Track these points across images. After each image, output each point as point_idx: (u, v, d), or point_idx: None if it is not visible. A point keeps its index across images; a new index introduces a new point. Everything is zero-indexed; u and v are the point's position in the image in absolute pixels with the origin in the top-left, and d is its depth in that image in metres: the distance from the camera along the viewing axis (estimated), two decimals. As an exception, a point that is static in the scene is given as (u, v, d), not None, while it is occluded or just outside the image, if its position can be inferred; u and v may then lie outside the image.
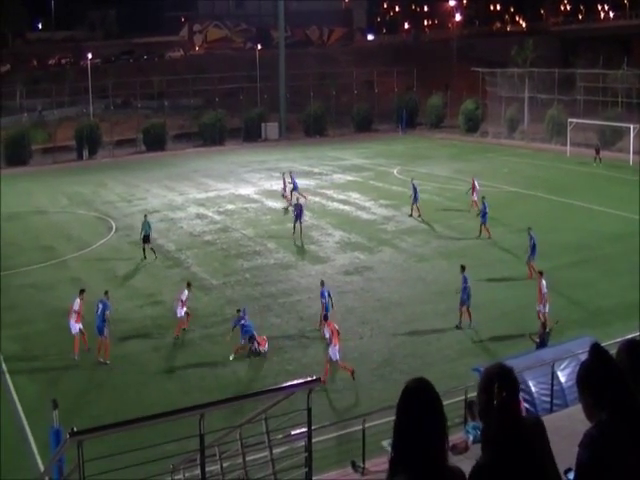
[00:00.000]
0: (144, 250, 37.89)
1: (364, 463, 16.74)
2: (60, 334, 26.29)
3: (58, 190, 57.82)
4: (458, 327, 27.46)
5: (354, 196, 51.09)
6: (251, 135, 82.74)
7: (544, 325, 23.87)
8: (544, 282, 27.00)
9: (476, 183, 45.04)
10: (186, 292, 28.24)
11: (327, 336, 24.37)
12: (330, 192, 52.83)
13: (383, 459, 16.96)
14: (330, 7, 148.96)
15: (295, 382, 9.27)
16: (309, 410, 9.03)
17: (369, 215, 45.63)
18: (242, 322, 26.21)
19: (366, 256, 37.10)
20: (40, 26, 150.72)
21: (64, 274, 36.42)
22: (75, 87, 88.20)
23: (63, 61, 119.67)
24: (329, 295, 27.62)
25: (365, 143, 77.84)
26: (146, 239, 38.03)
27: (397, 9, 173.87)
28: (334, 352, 23.53)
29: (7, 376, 25.02)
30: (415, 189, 44.22)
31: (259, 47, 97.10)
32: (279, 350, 26.44)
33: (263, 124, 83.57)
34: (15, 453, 20.15)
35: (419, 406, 4.00)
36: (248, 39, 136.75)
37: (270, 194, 52.90)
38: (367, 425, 16.97)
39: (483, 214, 39.60)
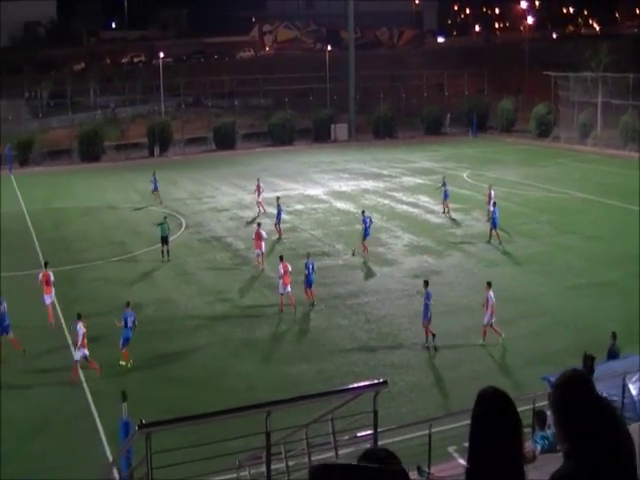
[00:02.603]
0: (162, 252, 38.06)
1: (429, 468, 16.60)
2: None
3: (130, 186, 58.69)
4: (427, 346, 26.52)
5: (423, 199, 50.81)
6: (320, 136, 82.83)
7: (614, 335, 23.40)
8: (491, 293, 26.38)
9: (492, 193, 43.46)
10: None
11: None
12: (399, 195, 52.64)
13: (449, 465, 16.85)
14: (400, 8, 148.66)
15: (362, 384, 9.24)
16: (375, 412, 9.00)
17: (438, 219, 45.35)
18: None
19: (435, 260, 36.87)
20: (114, 25, 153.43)
21: (135, 269, 36.97)
22: (147, 85, 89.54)
23: (136, 60, 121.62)
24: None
25: (435, 146, 77.37)
26: (164, 240, 38.05)
27: (468, 11, 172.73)
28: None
29: (78, 366, 25.47)
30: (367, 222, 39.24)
31: (329, 48, 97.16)
32: (346, 351, 26.43)
33: (332, 125, 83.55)
34: (85, 443, 20.51)
35: (497, 417, 3.91)
36: (318, 40, 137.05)
37: (339, 195, 52.94)
38: (433, 430, 16.84)
39: (493, 219, 39.31)
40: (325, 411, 10.45)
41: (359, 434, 11.82)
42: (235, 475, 13.97)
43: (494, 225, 39.45)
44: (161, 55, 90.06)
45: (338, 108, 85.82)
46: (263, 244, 36.18)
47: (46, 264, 31.25)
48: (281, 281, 30.42)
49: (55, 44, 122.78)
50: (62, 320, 29.31)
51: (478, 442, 3.92)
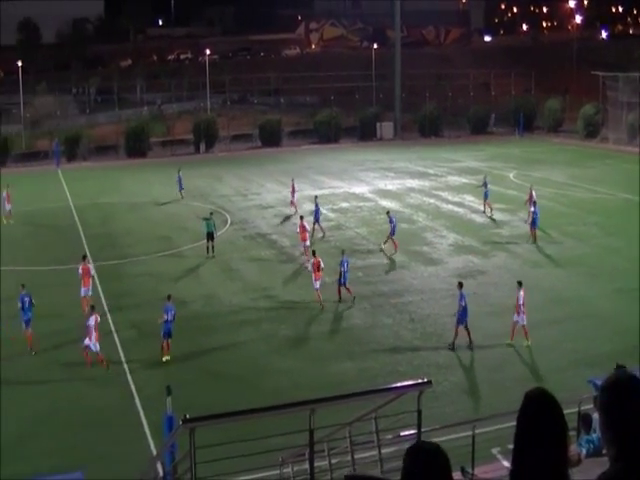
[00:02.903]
0: (207, 248, 38.22)
1: (473, 469, 16.49)
2: (176, 322, 26.67)
3: (175, 182, 58.99)
4: (450, 348, 26.17)
5: (468, 199, 50.45)
6: (366, 134, 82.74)
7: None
8: (522, 293, 26.14)
9: (534, 193, 42.79)
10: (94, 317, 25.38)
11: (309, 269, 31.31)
12: (445, 194, 52.37)
13: (492, 466, 16.74)
14: (447, 7, 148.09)
15: (406, 383, 9.20)
16: (419, 412, 8.97)
17: (483, 219, 45.03)
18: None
19: (480, 260, 36.64)
20: (160, 22, 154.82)
21: (180, 264, 37.21)
22: (193, 82, 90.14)
23: (182, 57, 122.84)
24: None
25: (481, 145, 76.83)
26: (210, 236, 38.26)
27: (515, 10, 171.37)
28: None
29: (123, 359, 25.72)
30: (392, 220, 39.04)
31: (375, 46, 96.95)
32: (390, 350, 26.37)
33: (378, 123, 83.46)
34: (129, 436, 20.69)
35: (543, 419, 3.87)
36: (364, 38, 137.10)
37: (384, 194, 52.80)
38: (477, 431, 16.73)
39: (534, 219, 39.25)
40: (369, 410, 10.44)
41: (402, 433, 11.78)
42: (278, 472, 14.01)
43: (534, 225, 39.30)
44: (207, 52, 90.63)
45: (384, 106, 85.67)
46: (308, 235, 37.42)
47: (84, 257, 32.18)
48: (313, 276, 30.65)
49: (102, 41, 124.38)
50: (108, 314, 29.59)
51: (523, 444, 3.88)
